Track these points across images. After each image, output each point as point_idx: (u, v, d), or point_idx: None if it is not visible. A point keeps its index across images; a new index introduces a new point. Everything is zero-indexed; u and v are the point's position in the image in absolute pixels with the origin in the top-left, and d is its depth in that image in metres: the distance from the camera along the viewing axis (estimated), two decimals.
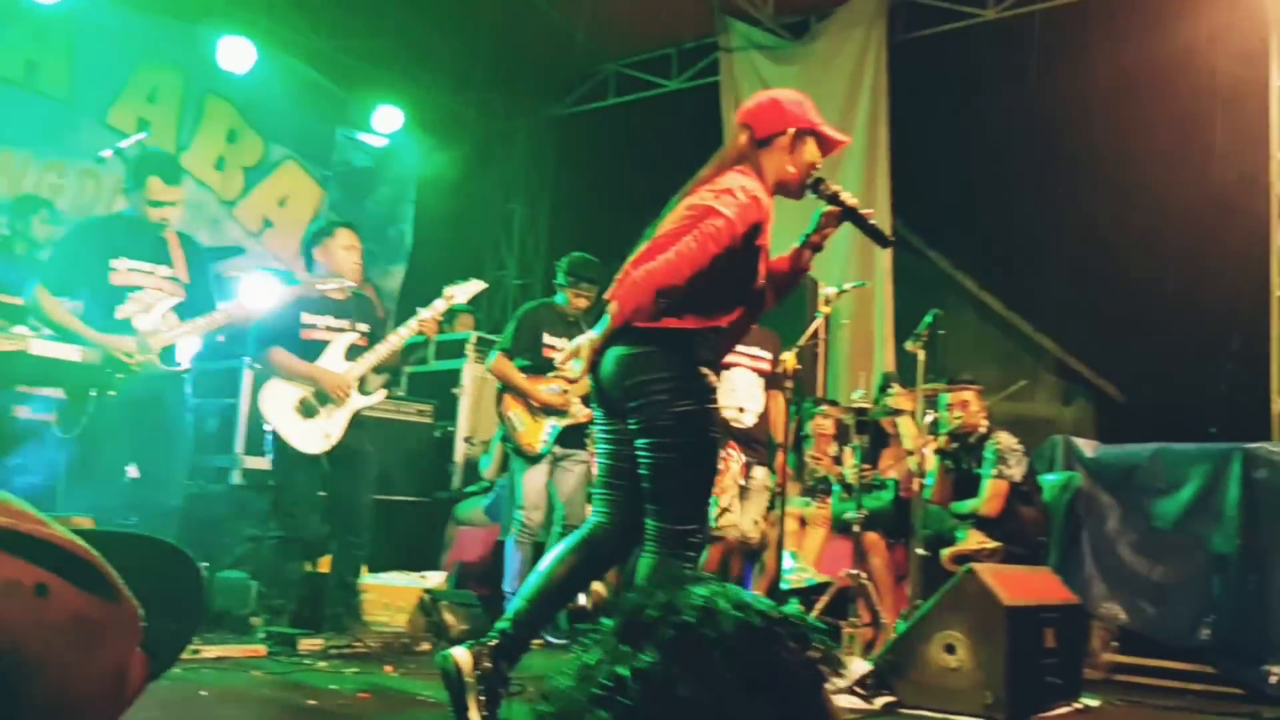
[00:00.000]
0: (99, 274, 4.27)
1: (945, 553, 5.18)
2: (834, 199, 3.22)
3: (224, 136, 8.17)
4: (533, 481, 5.34)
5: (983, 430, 5.48)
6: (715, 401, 3.09)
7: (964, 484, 5.48)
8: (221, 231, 8.08)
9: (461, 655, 3.02)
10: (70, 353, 3.83)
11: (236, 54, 7.62)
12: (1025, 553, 5.12)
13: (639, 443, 3.03)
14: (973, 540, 5.20)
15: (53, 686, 0.63)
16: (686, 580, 0.93)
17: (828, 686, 0.89)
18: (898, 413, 5.70)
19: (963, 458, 5.52)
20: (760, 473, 5.40)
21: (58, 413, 4.28)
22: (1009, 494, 5.29)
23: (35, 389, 4.76)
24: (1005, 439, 5.38)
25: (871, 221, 3.27)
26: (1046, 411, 7.44)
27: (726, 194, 2.97)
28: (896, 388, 5.65)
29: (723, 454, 5.11)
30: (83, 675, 0.65)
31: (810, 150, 3.20)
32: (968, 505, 5.39)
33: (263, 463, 5.85)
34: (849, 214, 3.24)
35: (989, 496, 5.30)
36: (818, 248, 3.36)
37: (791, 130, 3.17)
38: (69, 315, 4.23)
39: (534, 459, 5.32)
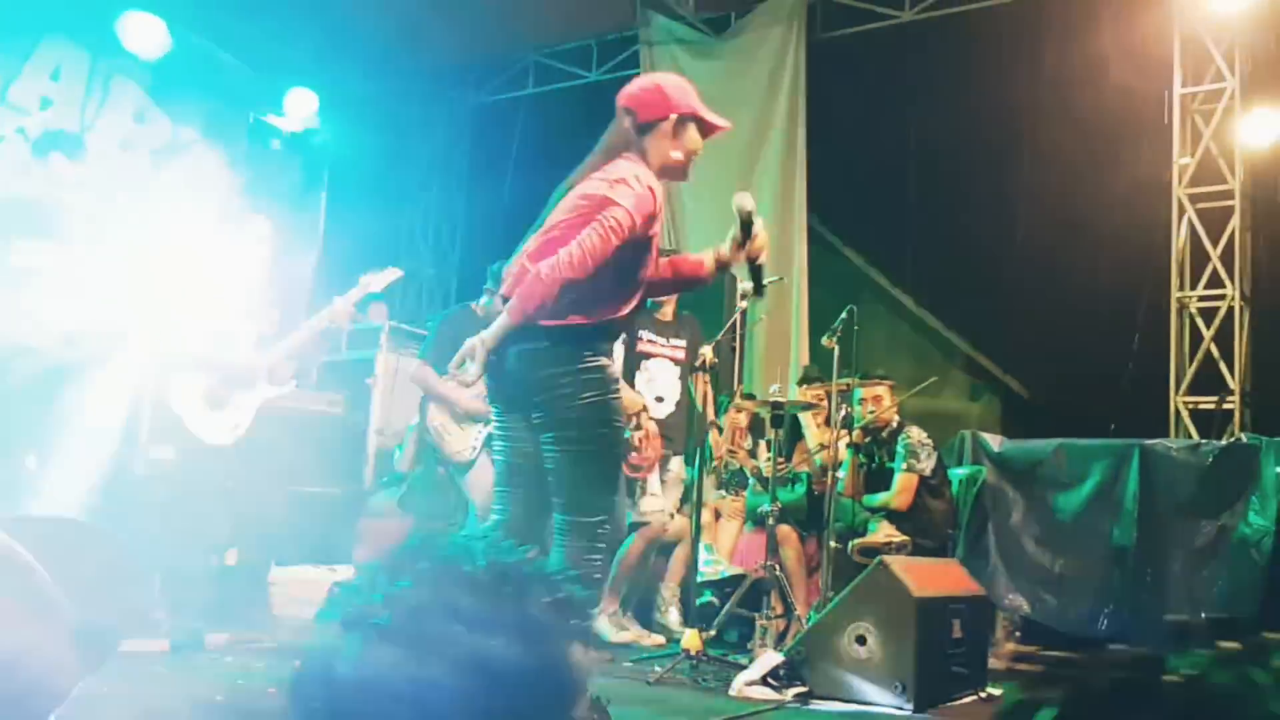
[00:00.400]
0: None
1: (854, 544, 5.27)
2: (747, 227, 3.22)
3: (130, 117, 7.91)
4: (479, 483, 5.27)
5: (894, 425, 5.58)
6: (618, 393, 3.10)
7: (875, 477, 5.58)
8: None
9: None
10: None
11: (145, 32, 7.39)
12: (934, 545, 5.25)
13: (544, 437, 3.03)
14: (882, 533, 5.30)
15: None
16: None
17: (578, 638, 0.95)
18: (809, 407, 5.78)
19: (875, 451, 5.62)
20: (675, 463, 5.43)
21: None
22: (919, 487, 5.41)
23: None
24: (916, 433, 5.49)
25: (760, 265, 3.28)
26: (955, 407, 7.62)
27: (621, 183, 2.98)
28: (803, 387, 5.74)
29: (640, 436, 5.12)
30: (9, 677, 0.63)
31: (693, 135, 3.20)
32: (879, 498, 5.48)
33: (167, 452, 5.70)
34: (751, 264, 3.26)
35: (899, 490, 5.41)
36: (724, 267, 3.37)
37: (674, 116, 3.16)
38: None
39: (465, 467, 5.27)
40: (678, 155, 3.17)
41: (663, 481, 5.38)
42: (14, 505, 3.99)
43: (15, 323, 4.03)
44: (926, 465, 5.43)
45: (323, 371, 7.42)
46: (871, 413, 5.55)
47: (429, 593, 0.87)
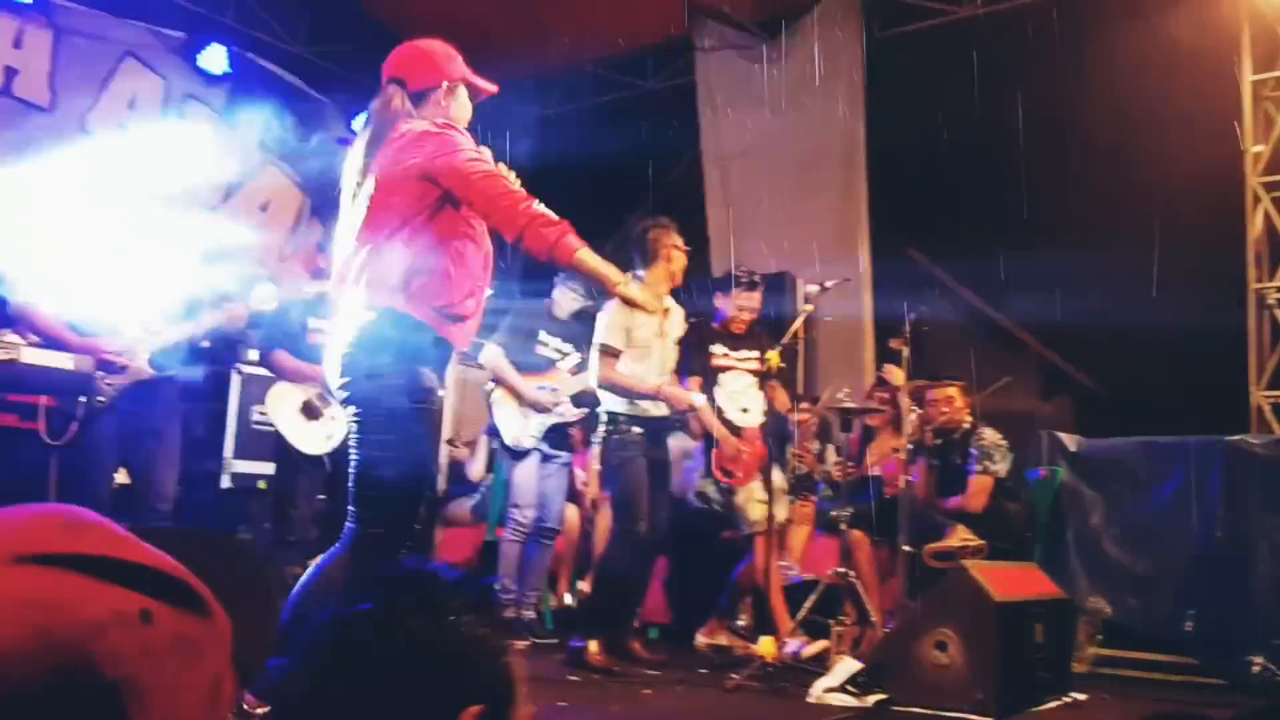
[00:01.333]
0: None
1: (928, 549, 5.23)
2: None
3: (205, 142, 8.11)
4: (523, 479, 5.36)
5: (966, 426, 5.54)
6: None
7: (948, 480, 5.53)
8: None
9: None
10: (61, 360, 3.82)
11: (216, 61, 7.62)
12: (1010, 548, 5.18)
13: None
14: (956, 537, 5.25)
15: (160, 711, 0.65)
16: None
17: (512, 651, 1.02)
18: (876, 411, 5.75)
19: (947, 454, 5.57)
20: (777, 475, 5.39)
21: (45, 420, 4.26)
22: (994, 490, 5.35)
23: (19, 396, 4.73)
24: (989, 435, 5.44)
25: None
26: (1026, 406, 7.52)
27: (427, 134, 2.90)
28: (890, 367, 5.65)
29: (732, 445, 5.12)
30: (186, 696, 0.67)
31: (464, 102, 3.14)
32: (953, 502, 5.44)
33: (251, 466, 5.85)
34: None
35: (973, 492, 5.36)
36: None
37: (445, 83, 3.10)
38: (55, 321, 4.21)
39: (521, 454, 5.35)
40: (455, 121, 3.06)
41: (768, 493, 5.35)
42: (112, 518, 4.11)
43: (106, 343, 4.15)
44: (1001, 467, 5.38)
45: None
46: (944, 414, 5.51)
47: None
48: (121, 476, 4.59)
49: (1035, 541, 5.51)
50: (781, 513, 5.33)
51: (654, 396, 4.89)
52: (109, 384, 4.13)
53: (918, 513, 5.34)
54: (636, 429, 4.83)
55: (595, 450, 5.27)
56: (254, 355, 5.44)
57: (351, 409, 2.87)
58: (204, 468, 5.85)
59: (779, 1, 8.19)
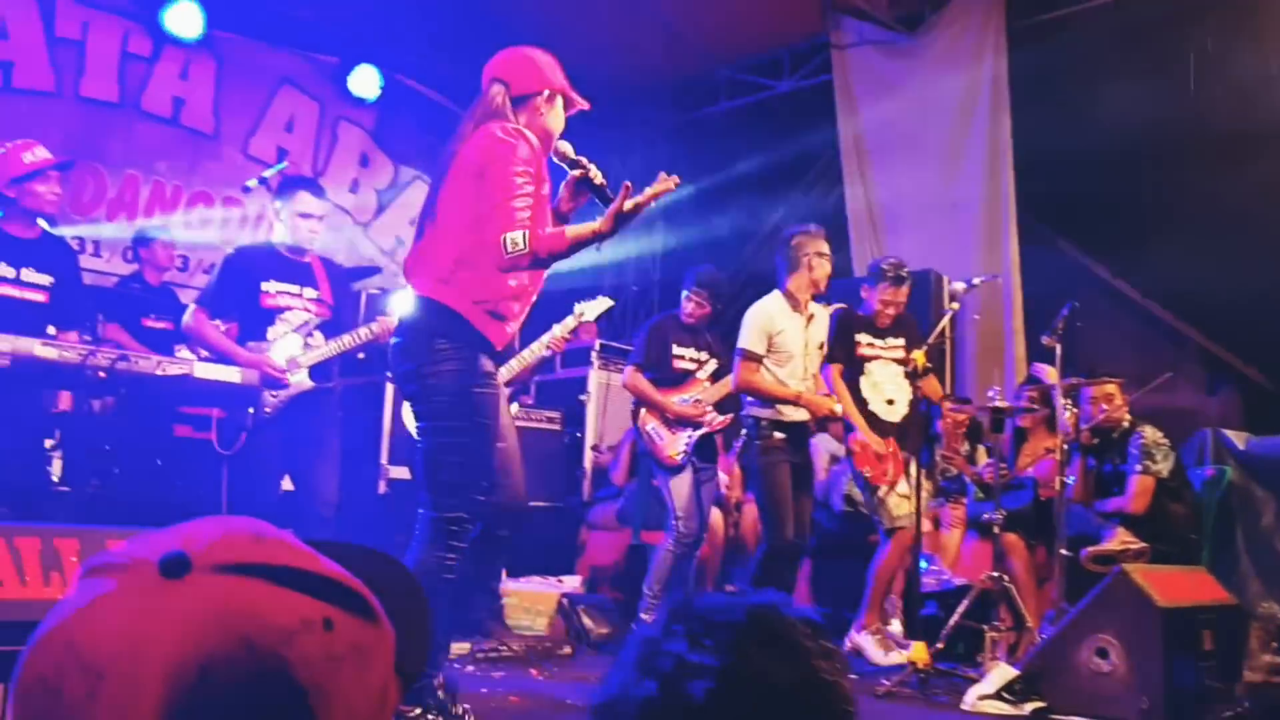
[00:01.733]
0: (251, 297, 4.49)
1: (1088, 552, 5.05)
2: (575, 164, 3.24)
3: (357, 160, 8.47)
4: (680, 490, 5.37)
5: (1126, 425, 5.34)
6: None
7: (1108, 481, 5.35)
8: (357, 251, 8.38)
9: None
10: (230, 374, 4.03)
11: (367, 82, 7.95)
12: (1175, 551, 4.97)
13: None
14: (1117, 540, 5.06)
15: (341, 714, 0.69)
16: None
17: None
18: (1027, 410, 5.59)
19: (1106, 454, 5.38)
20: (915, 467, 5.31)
21: (217, 431, 4.51)
22: (1156, 490, 5.14)
23: (194, 409, 5.03)
24: (1151, 433, 5.22)
25: (601, 184, 3.23)
26: (1190, 403, 7.18)
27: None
28: (1047, 368, 5.48)
29: (868, 445, 5.07)
30: (361, 700, 0.71)
31: (559, 112, 3.29)
32: (1113, 503, 5.25)
33: (406, 472, 6.06)
34: (585, 182, 3.24)
35: (1135, 493, 5.16)
36: (565, 218, 3.33)
37: (546, 90, 3.23)
38: (224, 337, 4.46)
39: (676, 470, 5.37)
40: (550, 129, 3.22)
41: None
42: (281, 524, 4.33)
43: (268, 358, 4.37)
44: (1164, 466, 5.16)
45: (539, 390, 7.71)
46: (1103, 412, 5.32)
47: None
48: (286, 484, 4.82)
49: (1203, 544, 5.27)
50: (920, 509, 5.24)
51: (795, 402, 4.87)
52: (274, 396, 4.35)
53: (1075, 514, 5.18)
54: (779, 434, 4.82)
55: (736, 454, 5.28)
56: None
57: (409, 398, 3.02)
58: (362, 474, 6.09)
59: None
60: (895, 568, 5.16)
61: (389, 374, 6.04)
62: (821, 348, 5.09)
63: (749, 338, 4.86)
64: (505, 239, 2.95)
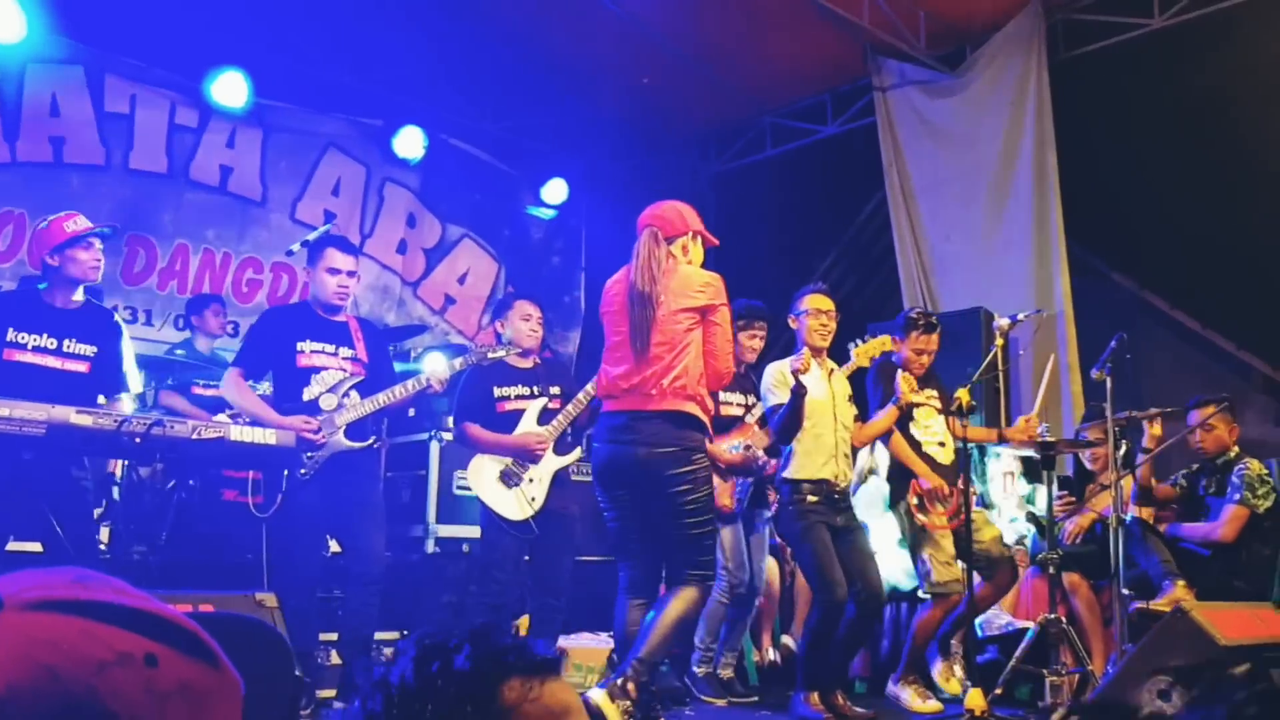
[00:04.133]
0: (286, 357, 4.54)
1: (1136, 608, 4.87)
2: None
3: (404, 221, 8.60)
4: (730, 539, 5.30)
5: (1232, 455, 5.21)
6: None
7: (1192, 507, 5.22)
8: (407, 311, 8.48)
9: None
10: (265, 436, 4.07)
11: (411, 143, 8.08)
12: (1251, 592, 4.78)
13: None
14: (1168, 599, 4.86)
15: None
16: None
17: None
18: (1087, 445, 5.45)
19: (1199, 481, 5.25)
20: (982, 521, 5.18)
21: (254, 494, 4.55)
22: (1247, 524, 4.99)
23: (237, 473, 5.09)
24: (1257, 466, 5.10)
25: None
26: (1257, 434, 6.95)
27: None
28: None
29: (940, 489, 4.98)
30: None
31: (699, 248, 4.13)
32: (1201, 529, 5.11)
33: (456, 530, 6.06)
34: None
35: (1228, 519, 5.02)
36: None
37: (691, 232, 4.10)
38: (258, 401, 4.51)
39: (729, 519, 5.30)
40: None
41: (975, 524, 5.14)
42: (319, 589, 4.35)
43: (301, 419, 4.40)
44: (1262, 503, 5.01)
45: (591, 442, 7.67)
46: (1201, 440, 5.23)
47: None
48: (334, 545, 4.83)
49: (1274, 580, 5.05)
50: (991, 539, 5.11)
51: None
52: (310, 457, 4.38)
53: (1140, 555, 5.01)
54: (812, 496, 4.74)
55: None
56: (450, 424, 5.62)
57: (677, 489, 3.84)
58: (410, 533, 6.10)
59: (958, 34, 8.00)
60: (937, 628, 5.04)
61: (435, 433, 6.11)
62: (851, 399, 5.01)
63: (772, 395, 4.81)
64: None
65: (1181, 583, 4.91)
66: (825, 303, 4.93)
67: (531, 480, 4.92)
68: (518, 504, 4.90)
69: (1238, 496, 5.02)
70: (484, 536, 5.06)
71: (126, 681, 0.68)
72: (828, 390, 4.85)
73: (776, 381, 4.81)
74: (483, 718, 0.85)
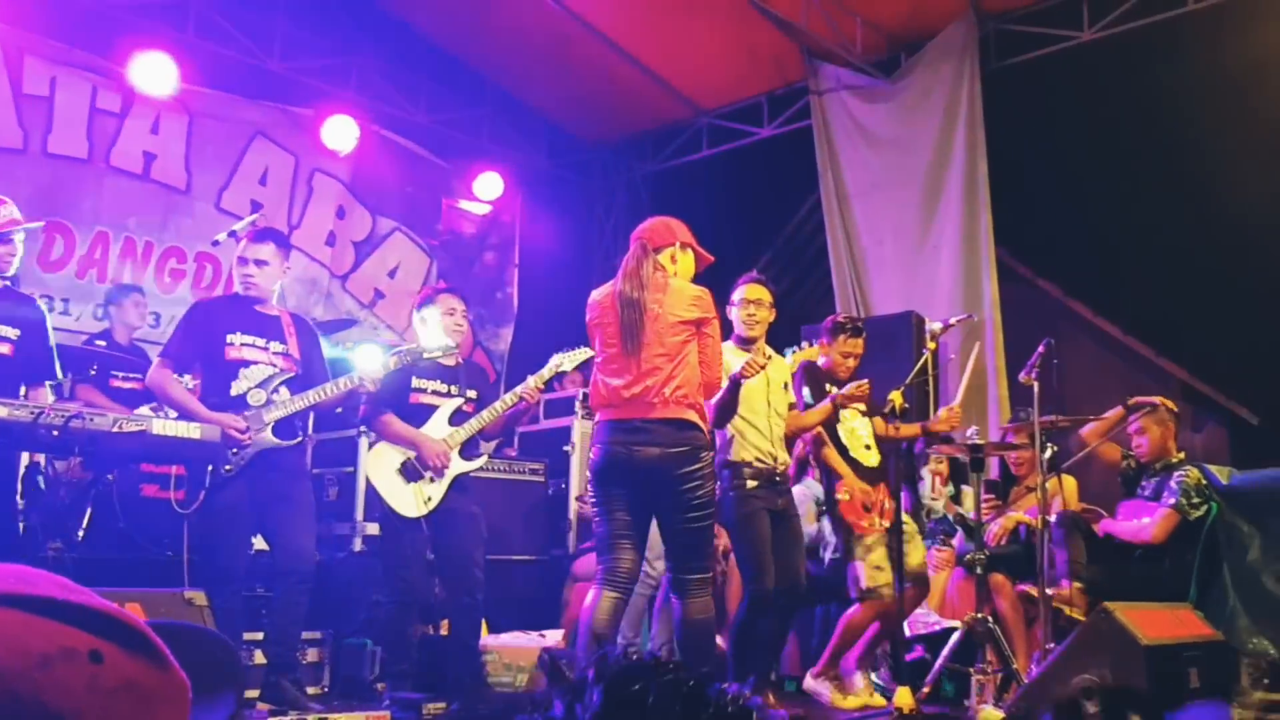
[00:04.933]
0: (215, 350, 4.42)
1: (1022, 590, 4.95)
2: None
3: (334, 212, 8.45)
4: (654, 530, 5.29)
5: (1174, 460, 5.32)
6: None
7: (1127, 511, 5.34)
8: (335, 304, 8.33)
9: None
10: (189, 431, 3.96)
11: (342, 133, 7.93)
12: (1171, 597, 4.89)
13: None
14: (1064, 592, 5.00)
15: None
16: None
17: None
18: (1011, 448, 5.55)
19: (1136, 481, 5.37)
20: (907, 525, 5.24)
21: (176, 490, 4.42)
22: (1176, 530, 5.11)
23: (160, 468, 4.94)
24: (1195, 475, 5.19)
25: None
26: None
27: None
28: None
29: (858, 491, 5.03)
30: None
31: (689, 260, 4.23)
32: (1132, 525, 5.23)
33: (374, 528, 5.96)
34: None
35: (1159, 522, 5.11)
36: None
37: (678, 243, 4.21)
38: (185, 394, 4.38)
39: None
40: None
41: (906, 534, 5.18)
42: (242, 588, 4.25)
43: (229, 415, 4.29)
44: (1194, 512, 5.12)
45: (522, 441, 7.63)
46: (1141, 446, 5.34)
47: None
48: (260, 543, 4.71)
49: (1189, 582, 5.18)
50: (915, 560, 5.15)
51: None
52: (235, 453, 4.27)
53: (1059, 549, 5.11)
54: (752, 481, 4.74)
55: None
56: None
57: (688, 486, 3.95)
58: (335, 531, 5.99)
59: (893, 40, 8.11)
60: (865, 628, 5.07)
61: (361, 428, 6.00)
62: (786, 387, 5.04)
63: None
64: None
65: (1078, 585, 5.01)
66: (755, 292, 4.95)
67: (431, 480, 4.82)
68: (414, 500, 4.77)
69: (1172, 501, 5.12)
70: (384, 533, 4.94)
71: (70, 677, 0.66)
72: (762, 376, 4.87)
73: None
74: None
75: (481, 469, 5.11)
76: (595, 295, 4.28)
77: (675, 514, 4.01)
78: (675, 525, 4.03)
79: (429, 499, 4.78)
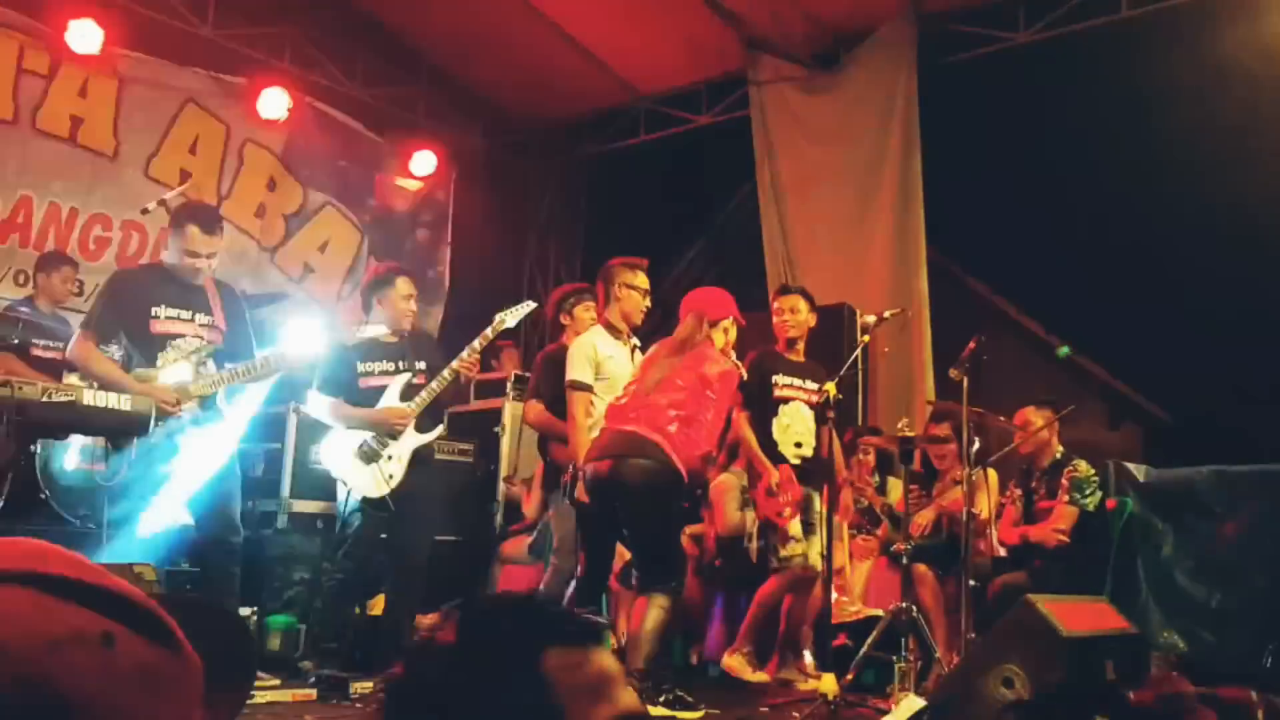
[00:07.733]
0: (140, 322, 4.32)
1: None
2: None
3: (264, 184, 8.27)
4: (562, 527, 5.29)
5: (1058, 457, 5.43)
6: None
7: (1029, 511, 5.46)
8: (264, 278, 8.16)
9: None
10: (120, 402, 3.87)
11: (275, 104, 7.76)
12: (1086, 587, 5.04)
13: None
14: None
15: None
16: None
17: None
18: (937, 441, 5.66)
19: (1031, 484, 5.49)
20: (818, 503, 5.33)
21: (102, 461, 4.33)
22: (1078, 523, 5.24)
23: (84, 439, 4.82)
24: (1084, 468, 5.33)
25: None
26: (1092, 436, 7.34)
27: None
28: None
29: (776, 482, 5.09)
30: None
31: (733, 330, 4.65)
32: (1033, 530, 5.35)
33: (310, 505, 5.89)
34: None
35: (1055, 518, 5.24)
36: None
37: (731, 317, 4.62)
38: (112, 366, 4.27)
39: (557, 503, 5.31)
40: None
41: (808, 524, 5.27)
42: (165, 562, 4.16)
43: (156, 386, 4.20)
44: (1091, 501, 5.26)
45: (452, 421, 7.57)
46: (1021, 439, 5.43)
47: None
48: (185, 517, 4.63)
49: (1105, 575, 5.35)
50: (814, 553, 5.26)
51: None
52: (162, 426, 4.18)
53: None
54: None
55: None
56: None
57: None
58: (262, 507, 5.90)
59: (833, 34, 8.16)
60: (777, 599, 5.17)
61: (293, 405, 5.92)
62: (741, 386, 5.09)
63: (575, 368, 4.80)
64: None
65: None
66: (638, 277, 5.04)
67: (390, 458, 4.81)
68: (375, 481, 4.77)
69: (1068, 498, 5.26)
70: (341, 514, 4.94)
71: (82, 661, 0.64)
72: (631, 366, 4.89)
73: (587, 356, 4.82)
74: (525, 685, 0.87)
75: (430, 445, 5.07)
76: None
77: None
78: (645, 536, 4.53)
79: (390, 476, 4.78)
